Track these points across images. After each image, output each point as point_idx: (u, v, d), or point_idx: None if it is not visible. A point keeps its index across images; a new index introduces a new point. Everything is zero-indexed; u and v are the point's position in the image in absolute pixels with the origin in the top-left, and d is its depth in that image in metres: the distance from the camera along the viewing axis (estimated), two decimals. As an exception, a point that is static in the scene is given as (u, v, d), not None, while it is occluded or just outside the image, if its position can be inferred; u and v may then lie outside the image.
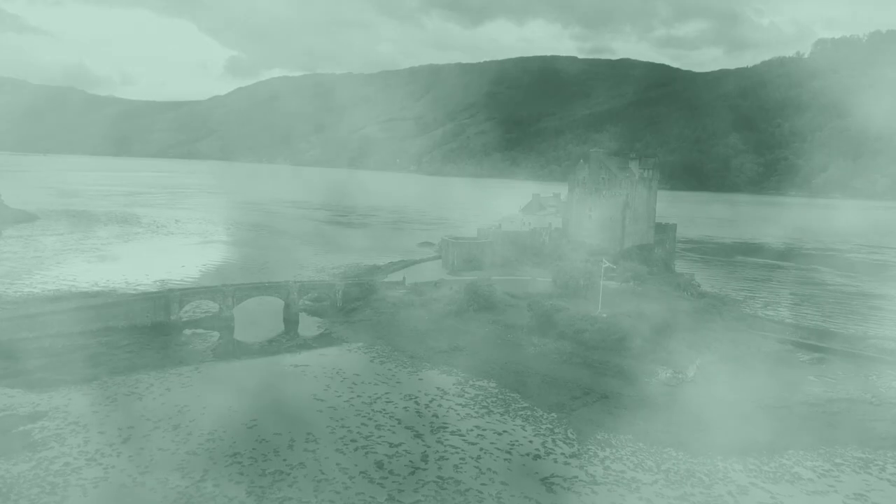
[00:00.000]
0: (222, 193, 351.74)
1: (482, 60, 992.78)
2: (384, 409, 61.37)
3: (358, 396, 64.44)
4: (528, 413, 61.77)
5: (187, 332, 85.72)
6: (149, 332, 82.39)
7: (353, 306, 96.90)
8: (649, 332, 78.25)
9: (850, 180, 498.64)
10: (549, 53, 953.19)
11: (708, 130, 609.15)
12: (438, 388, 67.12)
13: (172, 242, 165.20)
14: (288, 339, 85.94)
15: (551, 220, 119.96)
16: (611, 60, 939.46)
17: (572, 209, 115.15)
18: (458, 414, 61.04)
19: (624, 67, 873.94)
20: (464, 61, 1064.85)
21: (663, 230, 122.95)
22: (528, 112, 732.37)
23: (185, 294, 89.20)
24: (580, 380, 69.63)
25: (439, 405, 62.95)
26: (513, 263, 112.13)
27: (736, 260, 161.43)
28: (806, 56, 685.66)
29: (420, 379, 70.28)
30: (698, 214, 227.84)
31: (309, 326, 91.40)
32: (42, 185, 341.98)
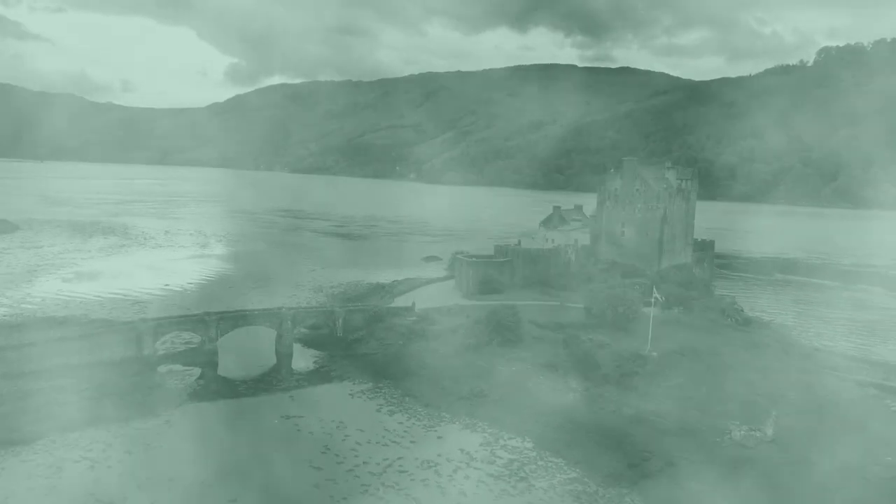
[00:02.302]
0: (217, 202, 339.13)
1: (483, 68, 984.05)
2: (397, 484, 48.77)
3: (364, 463, 51.85)
4: (580, 488, 49.15)
5: (162, 369, 73.15)
6: (115, 370, 69.28)
7: (355, 336, 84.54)
8: (709, 374, 65.86)
9: (860, 190, 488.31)
10: (549, 62, 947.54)
11: (712, 139, 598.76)
12: (463, 451, 54.46)
13: (158, 257, 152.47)
14: (280, 378, 73.31)
15: (576, 235, 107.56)
16: (610, 69, 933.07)
17: (602, 224, 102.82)
18: (492, 490, 48.44)
19: (624, 75, 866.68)
20: (464, 69, 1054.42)
21: (701, 247, 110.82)
22: (528, 120, 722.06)
23: (160, 324, 76.38)
24: (636, 438, 56.89)
25: (466, 476, 50.34)
26: (535, 285, 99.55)
27: (775, 279, 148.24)
28: (809, 64, 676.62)
29: (439, 437, 57.60)
30: (714, 225, 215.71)
31: (305, 361, 78.86)
32: (33, 192, 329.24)
